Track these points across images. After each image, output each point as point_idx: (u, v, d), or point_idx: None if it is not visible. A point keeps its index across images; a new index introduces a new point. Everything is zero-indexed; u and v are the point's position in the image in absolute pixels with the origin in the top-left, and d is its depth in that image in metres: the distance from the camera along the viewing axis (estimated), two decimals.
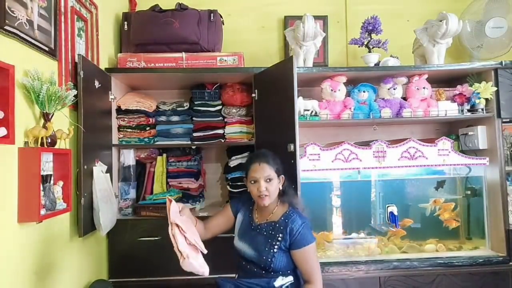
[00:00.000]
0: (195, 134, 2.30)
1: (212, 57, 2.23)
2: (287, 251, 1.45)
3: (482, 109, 2.23)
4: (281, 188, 1.54)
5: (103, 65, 2.09)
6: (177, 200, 2.23)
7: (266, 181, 1.49)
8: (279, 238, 1.45)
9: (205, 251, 1.41)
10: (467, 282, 2.12)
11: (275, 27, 2.74)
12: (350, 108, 2.21)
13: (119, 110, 2.24)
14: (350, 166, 2.13)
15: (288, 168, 1.82)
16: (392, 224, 2.23)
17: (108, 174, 1.96)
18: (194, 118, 2.32)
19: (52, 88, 1.35)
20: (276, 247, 1.44)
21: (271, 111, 2.05)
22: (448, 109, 2.23)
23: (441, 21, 2.18)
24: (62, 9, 1.59)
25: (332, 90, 2.22)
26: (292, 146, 1.83)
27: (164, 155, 2.39)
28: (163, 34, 2.22)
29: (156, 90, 2.53)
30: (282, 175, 1.55)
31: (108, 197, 1.88)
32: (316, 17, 2.28)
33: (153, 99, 2.36)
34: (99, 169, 1.84)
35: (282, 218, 1.48)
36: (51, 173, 1.43)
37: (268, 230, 1.49)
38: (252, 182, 1.51)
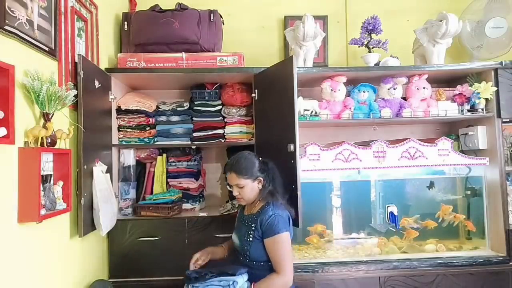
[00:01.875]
0: (195, 134, 2.30)
1: (212, 57, 2.23)
2: (261, 241, 1.55)
3: (482, 109, 2.23)
4: (260, 187, 1.64)
5: (103, 65, 2.09)
6: (177, 200, 2.24)
7: (238, 187, 1.62)
8: (253, 228, 1.57)
9: None
10: (467, 282, 2.12)
11: (275, 27, 2.74)
12: (350, 108, 2.21)
13: (119, 110, 2.24)
14: (350, 166, 2.13)
15: (288, 168, 1.83)
16: (392, 224, 2.23)
17: (108, 174, 1.95)
18: (194, 118, 2.32)
19: (52, 88, 1.35)
20: (251, 236, 1.57)
21: (271, 111, 2.05)
22: (448, 109, 2.23)
23: (441, 21, 2.18)
24: (62, 9, 1.59)
25: (332, 90, 2.22)
26: (292, 146, 1.83)
27: (164, 155, 2.39)
28: (163, 34, 2.22)
29: (156, 90, 2.53)
30: (260, 177, 1.63)
31: (108, 197, 1.88)
32: (316, 17, 2.29)
33: (153, 99, 2.36)
34: (99, 169, 1.84)
35: (259, 210, 1.60)
36: (51, 173, 1.43)
37: (248, 221, 1.62)
38: (231, 186, 1.66)
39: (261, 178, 1.63)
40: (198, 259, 1.68)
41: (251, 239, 1.56)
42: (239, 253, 1.63)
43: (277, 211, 1.55)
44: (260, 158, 1.68)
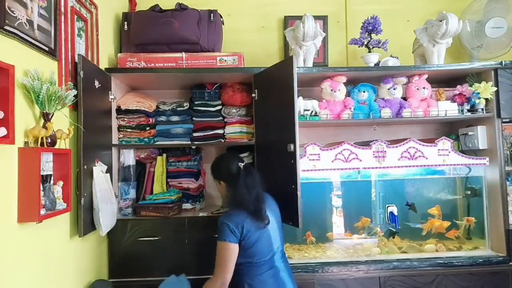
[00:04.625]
0: (195, 134, 2.30)
1: (212, 57, 2.22)
2: None
3: (482, 109, 2.23)
4: (225, 192, 1.75)
5: (103, 65, 2.09)
6: (177, 200, 2.23)
7: None
8: None
9: None
10: (467, 282, 2.12)
11: (275, 27, 2.74)
12: (350, 108, 2.21)
13: (119, 110, 2.23)
14: (350, 166, 2.13)
15: (288, 168, 1.83)
16: (392, 224, 2.23)
17: (108, 174, 1.95)
18: (194, 118, 2.32)
19: (52, 88, 1.35)
20: None
21: (271, 111, 2.05)
22: (448, 109, 2.23)
23: (441, 21, 2.18)
24: (62, 9, 1.59)
25: (332, 90, 2.22)
26: (292, 146, 1.83)
27: (164, 155, 2.39)
28: (163, 34, 2.22)
29: (156, 90, 2.53)
30: (221, 181, 1.75)
31: (108, 197, 1.88)
32: (316, 17, 2.29)
33: (153, 99, 2.36)
34: (99, 169, 1.84)
35: None
36: (51, 173, 1.43)
37: None
38: None
39: (222, 183, 1.74)
40: None
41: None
42: None
43: (225, 218, 1.60)
44: (240, 164, 1.70)
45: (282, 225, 1.78)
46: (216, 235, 1.60)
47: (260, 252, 1.61)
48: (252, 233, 1.58)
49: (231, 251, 1.56)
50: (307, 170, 2.08)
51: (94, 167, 1.80)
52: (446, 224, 2.30)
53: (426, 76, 2.27)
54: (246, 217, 1.59)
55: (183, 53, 2.21)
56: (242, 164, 1.71)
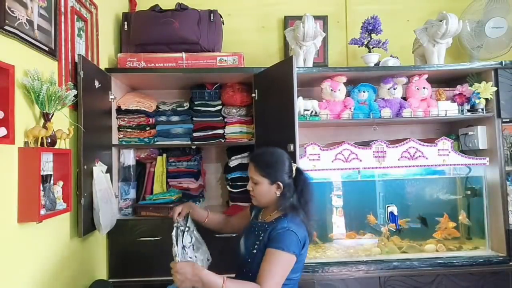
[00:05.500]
0: (195, 134, 2.30)
1: (212, 57, 2.22)
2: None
3: (482, 109, 2.23)
4: (278, 194, 1.41)
5: (103, 65, 2.09)
6: (177, 201, 2.23)
7: (252, 181, 1.44)
8: (261, 238, 1.38)
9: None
10: (467, 282, 2.12)
11: (275, 27, 2.74)
12: (350, 108, 2.21)
13: (119, 110, 2.23)
14: (350, 166, 2.13)
15: None
16: (392, 224, 2.23)
17: (108, 174, 1.95)
18: (194, 118, 2.32)
19: (52, 88, 1.35)
20: (256, 247, 1.38)
21: (271, 111, 2.05)
22: (448, 109, 2.23)
23: (441, 21, 2.18)
24: (62, 9, 1.59)
25: (332, 90, 2.22)
26: (292, 146, 1.83)
27: (164, 155, 2.39)
28: (163, 34, 2.22)
29: (156, 90, 2.53)
30: (279, 182, 1.40)
31: (108, 197, 1.88)
32: (316, 17, 2.29)
33: (153, 99, 2.36)
34: (99, 169, 1.84)
35: (274, 220, 1.40)
36: (51, 173, 1.43)
37: (259, 230, 1.43)
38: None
39: (281, 185, 1.39)
40: (180, 212, 1.56)
41: (255, 251, 1.37)
42: (242, 264, 1.43)
43: (293, 226, 1.32)
44: (295, 164, 1.47)
45: None
46: (275, 242, 1.30)
47: (301, 269, 1.41)
48: (307, 247, 1.40)
49: (292, 265, 1.30)
50: (307, 170, 2.06)
51: (94, 167, 1.80)
52: (452, 224, 2.30)
53: (426, 76, 2.27)
54: (306, 226, 1.39)
55: (183, 53, 2.21)
56: (295, 165, 1.46)
